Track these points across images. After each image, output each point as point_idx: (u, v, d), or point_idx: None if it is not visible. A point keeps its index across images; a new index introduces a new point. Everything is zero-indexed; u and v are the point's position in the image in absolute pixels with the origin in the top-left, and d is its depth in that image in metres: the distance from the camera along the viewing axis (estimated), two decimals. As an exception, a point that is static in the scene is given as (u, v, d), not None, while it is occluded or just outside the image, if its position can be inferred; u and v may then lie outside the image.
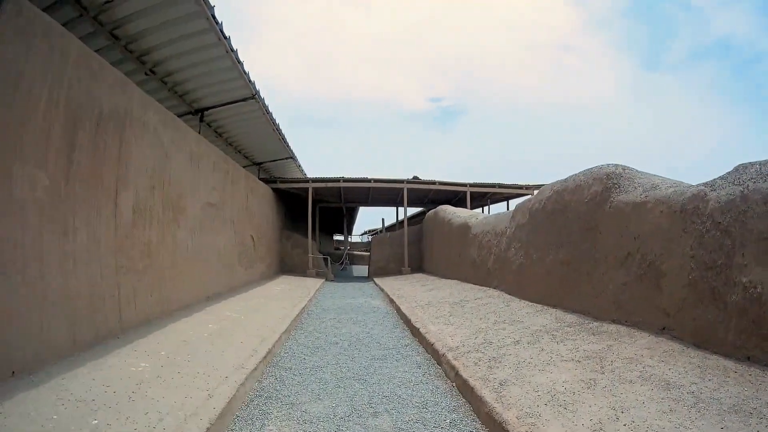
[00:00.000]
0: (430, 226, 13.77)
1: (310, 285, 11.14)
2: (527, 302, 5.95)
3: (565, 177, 5.57)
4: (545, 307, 5.35)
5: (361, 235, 48.86)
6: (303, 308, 7.24)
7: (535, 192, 16.84)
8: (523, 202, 7.11)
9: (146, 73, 6.34)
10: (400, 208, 18.89)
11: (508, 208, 16.71)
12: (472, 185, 15.50)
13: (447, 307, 6.46)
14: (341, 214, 22.49)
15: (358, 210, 23.25)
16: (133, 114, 4.60)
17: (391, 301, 8.32)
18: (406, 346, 4.90)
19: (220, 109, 8.22)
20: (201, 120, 8.07)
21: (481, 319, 5.32)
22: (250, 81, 7.39)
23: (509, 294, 6.88)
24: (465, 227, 10.08)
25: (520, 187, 15.77)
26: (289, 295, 8.65)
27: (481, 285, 8.32)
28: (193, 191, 6.34)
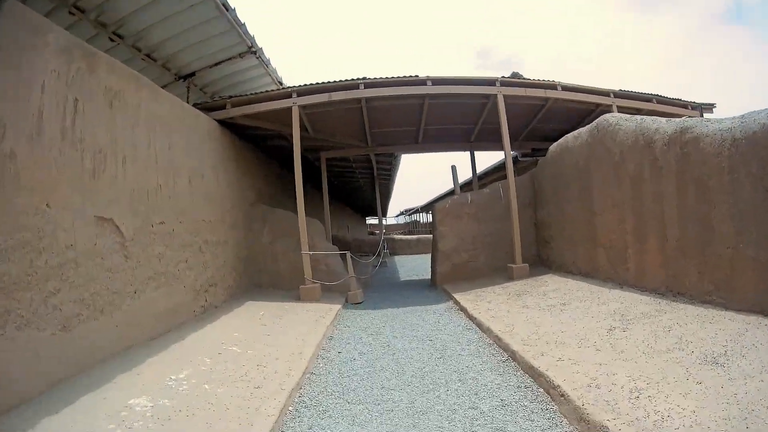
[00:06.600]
0: (577, 167, 6.07)
1: (281, 355, 3.88)
2: None
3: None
4: None
5: (397, 216, 38.39)
6: None
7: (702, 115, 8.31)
8: None
9: None
10: (477, 153, 10.42)
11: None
12: (617, 95, 7.84)
13: None
14: (371, 175, 14.19)
15: (398, 164, 13.42)
16: None
17: None
18: None
19: None
20: None
21: None
22: None
23: None
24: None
25: (685, 105, 8.66)
26: None
27: None
28: None
